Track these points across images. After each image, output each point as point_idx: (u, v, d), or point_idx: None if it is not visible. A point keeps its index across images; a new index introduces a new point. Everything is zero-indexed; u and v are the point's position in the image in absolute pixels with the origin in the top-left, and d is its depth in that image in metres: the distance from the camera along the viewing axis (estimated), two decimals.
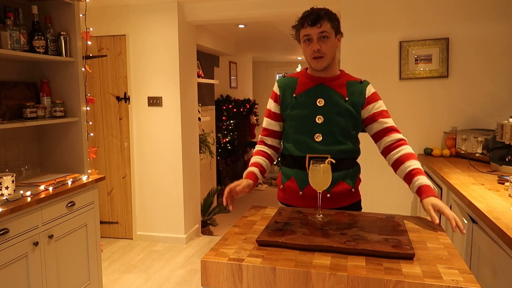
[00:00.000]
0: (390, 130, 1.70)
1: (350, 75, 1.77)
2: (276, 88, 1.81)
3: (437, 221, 1.43)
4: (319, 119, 1.67)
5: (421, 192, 1.55)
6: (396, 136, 1.69)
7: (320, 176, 1.44)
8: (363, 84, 1.73)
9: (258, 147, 1.86)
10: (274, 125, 1.82)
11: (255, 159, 1.82)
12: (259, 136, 1.89)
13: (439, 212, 1.45)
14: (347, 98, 1.68)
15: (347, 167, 1.72)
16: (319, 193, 1.48)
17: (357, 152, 1.78)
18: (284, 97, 1.76)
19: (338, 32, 1.69)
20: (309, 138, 1.69)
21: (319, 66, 1.67)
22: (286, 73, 1.87)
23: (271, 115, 1.82)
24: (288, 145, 1.78)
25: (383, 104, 1.74)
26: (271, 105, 1.82)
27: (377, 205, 3.33)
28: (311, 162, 1.47)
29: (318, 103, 1.68)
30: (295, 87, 1.74)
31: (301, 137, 1.71)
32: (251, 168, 1.77)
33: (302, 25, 1.64)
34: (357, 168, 1.79)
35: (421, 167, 1.63)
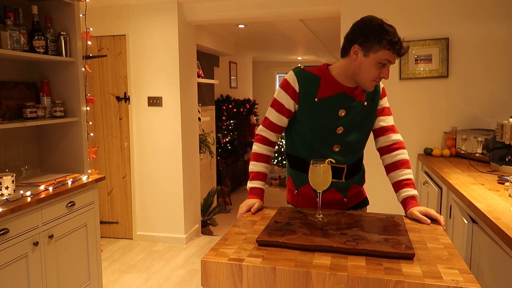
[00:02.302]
0: (387, 129, 1.71)
1: None
2: (294, 82, 1.61)
3: (429, 221, 1.46)
4: (340, 130, 1.63)
5: (406, 203, 1.58)
6: (394, 137, 1.70)
7: (320, 176, 1.45)
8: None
9: (260, 148, 1.72)
10: (284, 122, 1.68)
11: (260, 167, 1.70)
12: (261, 127, 1.73)
13: (428, 215, 1.48)
14: (365, 103, 1.65)
15: (358, 171, 1.77)
16: (319, 192, 1.48)
17: (362, 154, 1.82)
18: (305, 98, 1.60)
19: None
20: (327, 148, 1.65)
21: (372, 89, 1.59)
22: (303, 66, 1.67)
23: (284, 111, 1.65)
24: (302, 149, 1.68)
25: (387, 100, 1.75)
26: (285, 100, 1.63)
27: (377, 205, 3.33)
28: (311, 162, 1.47)
29: (339, 114, 1.61)
30: (317, 89, 1.59)
31: (319, 146, 1.65)
32: (258, 184, 1.69)
33: (393, 50, 1.47)
34: (363, 168, 1.84)
35: (412, 177, 1.66)
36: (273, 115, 1.68)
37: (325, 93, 1.60)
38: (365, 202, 1.86)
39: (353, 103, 1.62)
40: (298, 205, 1.76)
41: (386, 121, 1.72)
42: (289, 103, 1.63)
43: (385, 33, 1.47)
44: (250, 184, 1.70)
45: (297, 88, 1.61)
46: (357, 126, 1.65)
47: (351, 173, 1.71)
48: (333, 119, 1.61)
